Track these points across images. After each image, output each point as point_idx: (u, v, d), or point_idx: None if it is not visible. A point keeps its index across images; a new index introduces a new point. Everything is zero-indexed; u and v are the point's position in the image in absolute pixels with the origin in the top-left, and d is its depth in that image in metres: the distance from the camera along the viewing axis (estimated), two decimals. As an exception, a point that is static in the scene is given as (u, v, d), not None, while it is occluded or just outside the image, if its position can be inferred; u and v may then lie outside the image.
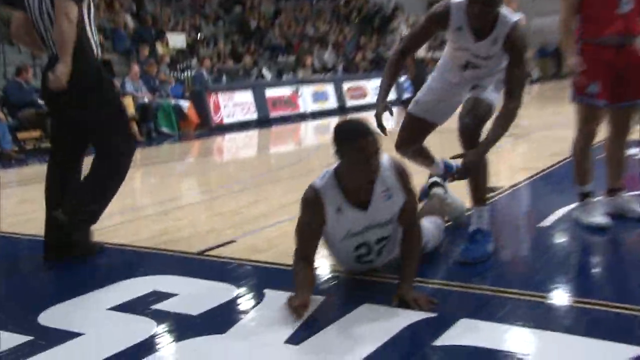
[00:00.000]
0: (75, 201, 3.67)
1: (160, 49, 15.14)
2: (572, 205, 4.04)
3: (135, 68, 12.07)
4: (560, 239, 3.81)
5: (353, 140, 2.72)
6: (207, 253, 3.91)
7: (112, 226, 4.61)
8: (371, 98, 16.28)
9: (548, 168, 5.87)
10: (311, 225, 2.91)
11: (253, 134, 12.94)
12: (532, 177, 5.60)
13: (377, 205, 2.87)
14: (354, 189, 2.84)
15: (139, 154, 9.61)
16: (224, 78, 15.15)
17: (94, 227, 3.91)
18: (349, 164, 2.77)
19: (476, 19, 3.16)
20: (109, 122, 3.76)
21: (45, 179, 3.87)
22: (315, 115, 15.78)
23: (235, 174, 7.87)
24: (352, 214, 2.86)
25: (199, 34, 17.65)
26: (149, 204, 5.99)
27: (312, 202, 2.87)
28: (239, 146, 11.62)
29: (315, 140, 11.89)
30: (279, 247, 3.88)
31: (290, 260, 3.01)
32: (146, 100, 11.93)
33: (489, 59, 3.34)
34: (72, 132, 3.77)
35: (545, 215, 4.13)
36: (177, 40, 15.75)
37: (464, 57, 3.41)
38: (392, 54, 3.54)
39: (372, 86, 17.36)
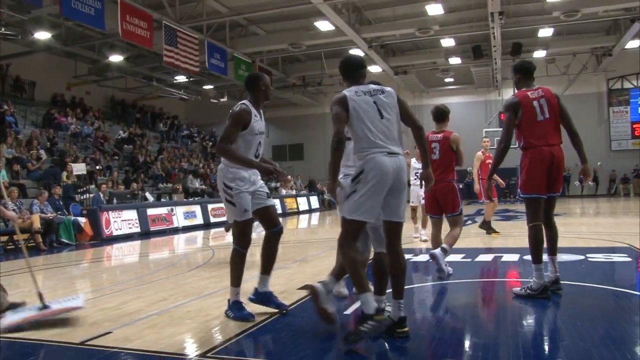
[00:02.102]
0: None
1: (64, 176, 14.95)
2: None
3: (45, 194, 11.96)
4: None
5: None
6: (87, 343, 3.70)
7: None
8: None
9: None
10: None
11: (136, 244, 12.40)
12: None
13: None
14: None
15: (41, 260, 9.54)
16: (115, 200, 15.09)
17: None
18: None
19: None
20: None
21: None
22: (186, 229, 15.74)
23: (120, 276, 7.48)
24: None
25: (97, 166, 17.56)
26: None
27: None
28: (124, 254, 10.98)
29: (185, 249, 11.36)
30: (147, 337, 3.75)
31: (156, 348, 3.37)
32: (50, 217, 11.68)
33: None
34: None
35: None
36: (78, 168, 15.47)
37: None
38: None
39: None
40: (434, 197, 5.68)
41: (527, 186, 4.58)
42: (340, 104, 3.56)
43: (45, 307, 4.42)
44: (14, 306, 4.64)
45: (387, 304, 3.76)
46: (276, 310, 4.36)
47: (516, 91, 4.83)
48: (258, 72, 4.65)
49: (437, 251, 5.63)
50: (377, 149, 3.47)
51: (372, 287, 3.62)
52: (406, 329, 3.57)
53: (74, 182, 14.94)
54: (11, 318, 4.24)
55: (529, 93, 4.65)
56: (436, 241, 5.88)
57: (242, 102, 4.17)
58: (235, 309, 4.22)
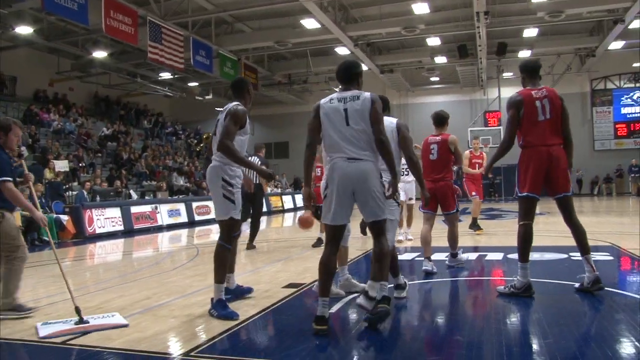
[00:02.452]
0: None
1: (46, 173, 14.75)
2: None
3: (27, 191, 11.68)
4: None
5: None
6: (68, 342, 3.66)
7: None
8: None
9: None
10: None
11: (120, 242, 12.22)
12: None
13: None
14: None
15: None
16: (98, 197, 14.89)
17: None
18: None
19: None
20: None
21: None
22: (170, 227, 15.68)
23: (103, 275, 7.36)
24: None
25: (80, 163, 17.42)
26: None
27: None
28: (107, 252, 10.75)
29: (169, 247, 11.24)
30: (129, 336, 3.73)
31: (139, 347, 3.35)
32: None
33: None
34: None
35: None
36: (61, 165, 15.31)
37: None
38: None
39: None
40: (432, 195, 5.85)
41: (522, 185, 4.61)
42: (314, 112, 3.81)
43: (82, 321, 4.19)
44: None
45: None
46: (261, 309, 4.46)
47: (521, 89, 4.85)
48: (244, 77, 4.94)
49: (449, 262, 6.30)
50: (338, 155, 3.69)
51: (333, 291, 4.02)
52: (387, 305, 3.74)
53: (62, 180, 14.75)
54: (44, 331, 4.00)
55: (532, 92, 4.65)
56: (425, 239, 5.97)
57: (236, 103, 4.33)
58: (219, 307, 4.24)
